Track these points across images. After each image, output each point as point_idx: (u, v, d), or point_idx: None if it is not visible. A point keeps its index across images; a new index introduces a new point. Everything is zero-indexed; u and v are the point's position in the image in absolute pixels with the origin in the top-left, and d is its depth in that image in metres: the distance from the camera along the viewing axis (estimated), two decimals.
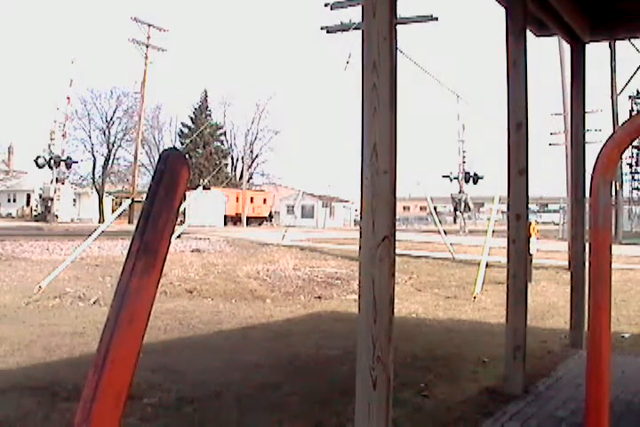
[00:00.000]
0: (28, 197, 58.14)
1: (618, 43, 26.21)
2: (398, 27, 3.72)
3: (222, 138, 68.83)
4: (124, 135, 55.35)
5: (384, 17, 3.18)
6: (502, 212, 21.32)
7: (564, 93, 19.53)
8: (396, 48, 3.28)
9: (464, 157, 46.42)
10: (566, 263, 15.09)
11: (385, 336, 3.08)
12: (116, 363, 1.00)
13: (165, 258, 1.08)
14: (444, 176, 46.83)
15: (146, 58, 45.06)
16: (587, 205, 6.75)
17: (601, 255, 1.55)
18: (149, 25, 44.69)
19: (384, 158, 3.14)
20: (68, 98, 44.11)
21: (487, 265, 12.87)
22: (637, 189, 39.05)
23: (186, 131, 65.29)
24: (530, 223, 9.21)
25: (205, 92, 67.90)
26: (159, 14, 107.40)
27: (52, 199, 43.07)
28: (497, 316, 8.55)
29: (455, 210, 47.49)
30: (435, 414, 4.47)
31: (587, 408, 1.54)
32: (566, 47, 13.68)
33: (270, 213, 58.67)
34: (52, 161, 42.43)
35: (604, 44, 22.36)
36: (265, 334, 7.78)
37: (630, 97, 35.23)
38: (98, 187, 54.73)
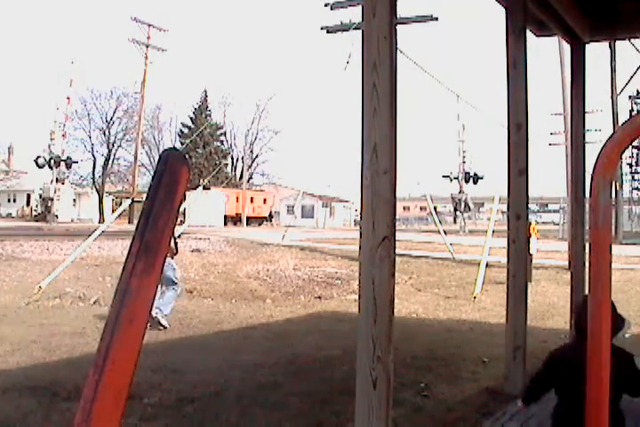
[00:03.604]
0: (28, 197, 58.09)
1: (618, 43, 26.20)
2: (398, 27, 3.72)
3: (222, 138, 68.72)
4: (124, 135, 55.28)
5: (384, 17, 3.18)
6: (502, 212, 21.33)
7: (564, 93, 19.51)
8: (396, 48, 3.28)
9: (464, 157, 46.37)
10: (566, 263, 15.08)
11: (385, 336, 3.08)
12: (116, 363, 1.00)
13: (165, 258, 1.08)
14: (444, 176, 46.79)
15: (146, 58, 44.98)
16: (587, 205, 6.75)
17: (601, 255, 1.55)
18: (149, 25, 44.62)
19: (384, 158, 3.14)
20: (68, 98, 44.06)
21: (487, 265, 12.87)
22: (637, 189, 39.03)
23: (186, 131, 65.20)
24: (530, 223, 9.21)
25: (205, 92, 67.85)
26: (159, 14, 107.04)
27: (52, 199, 43.02)
28: (497, 316, 8.55)
29: (455, 210, 47.45)
30: (435, 414, 4.47)
31: (587, 408, 1.54)
32: (566, 47, 13.68)
33: (270, 213, 58.62)
34: (52, 161, 42.38)
35: (604, 44, 22.38)
36: (265, 334, 7.78)
37: (630, 97, 35.19)
38: (98, 187, 54.66)
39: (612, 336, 2.87)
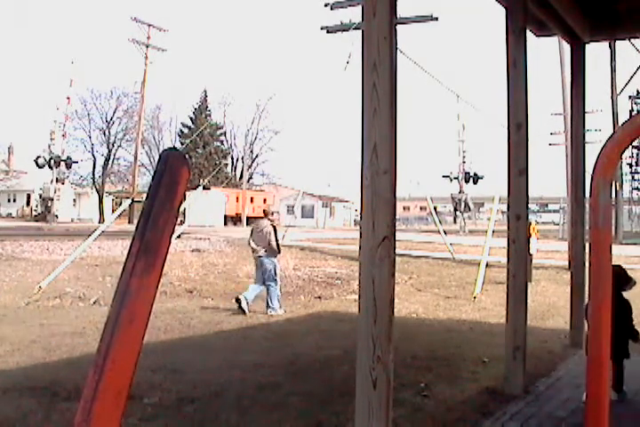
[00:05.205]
0: (28, 197, 58.08)
1: (618, 43, 26.19)
2: (398, 27, 3.72)
3: (222, 138, 68.65)
4: (124, 135, 55.28)
5: (384, 17, 3.18)
6: (502, 212, 21.32)
7: (564, 93, 19.52)
8: (396, 48, 3.28)
9: (464, 157, 46.38)
10: (566, 263, 15.09)
11: (385, 336, 3.08)
12: (116, 363, 1.00)
13: (165, 258, 1.08)
14: (444, 176, 46.81)
15: (146, 58, 44.97)
16: (587, 205, 6.75)
17: (601, 255, 1.55)
18: (149, 25, 44.60)
19: (384, 158, 3.14)
20: (68, 98, 44.10)
21: (487, 265, 12.87)
22: (637, 189, 39.04)
23: (186, 131, 65.15)
24: (530, 223, 9.21)
25: (205, 92, 67.79)
26: (159, 14, 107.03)
27: (52, 199, 43.04)
28: (497, 316, 8.54)
29: (455, 210, 47.47)
30: (435, 414, 4.46)
31: (587, 408, 1.54)
32: (566, 47, 13.68)
33: None
34: (52, 161, 42.40)
35: (604, 44, 22.36)
36: (265, 334, 7.78)
37: (630, 97, 35.21)
38: (98, 187, 54.64)
39: (622, 290, 4.42)
